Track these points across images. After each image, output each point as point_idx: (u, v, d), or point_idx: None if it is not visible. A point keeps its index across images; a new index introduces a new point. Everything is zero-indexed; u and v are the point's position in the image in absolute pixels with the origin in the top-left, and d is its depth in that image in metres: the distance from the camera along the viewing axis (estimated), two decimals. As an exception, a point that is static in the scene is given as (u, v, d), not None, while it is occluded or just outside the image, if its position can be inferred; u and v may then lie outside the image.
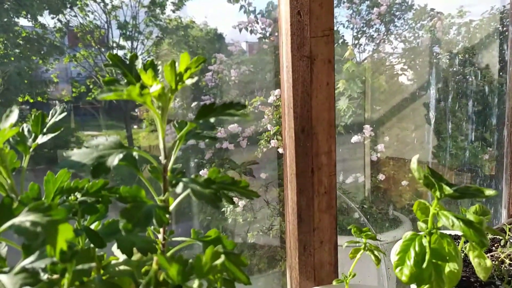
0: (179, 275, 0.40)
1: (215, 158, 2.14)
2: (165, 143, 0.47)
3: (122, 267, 0.44)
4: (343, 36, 2.72)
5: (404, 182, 2.53)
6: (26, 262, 0.37)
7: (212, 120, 0.42)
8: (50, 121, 0.48)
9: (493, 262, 0.69)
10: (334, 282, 0.59)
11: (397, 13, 2.87)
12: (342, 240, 0.75)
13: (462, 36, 2.78)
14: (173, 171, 0.49)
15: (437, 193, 0.49)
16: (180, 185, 0.40)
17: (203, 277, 0.40)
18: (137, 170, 0.48)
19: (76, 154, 0.42)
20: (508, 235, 0.73)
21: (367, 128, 2.46)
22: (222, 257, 0.40)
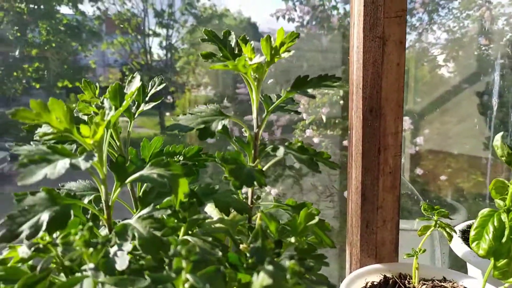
0: (276, 232, 0.43)
1: None
2: (258, 113, 0.50)
3: (217, 225, 0.48)
4: None
5: (443, 177, 2.47)
6: (144, 212, 0.42)
7: (309, 90, 0.45)
8: (151, 91, 0.52)
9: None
10: (404, 256, 0.61)
11: (442, 2, 2.78)
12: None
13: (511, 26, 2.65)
14: (263, 141, 0.52)
15: (520, 171, 0.50)
16: (281, 149, 0.43)
17: (297, 236, 0.43)
18: (230, 137, 0.52)
19: (183, 119, 0.46)
20: None
21: (407, 121, 2.42)
22: (316, 219, 0.43)
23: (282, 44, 0.47)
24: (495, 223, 0.51)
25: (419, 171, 2.45)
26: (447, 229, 0.59)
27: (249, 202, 0.51)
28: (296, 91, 0.46)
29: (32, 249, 0.36)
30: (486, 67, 2.49)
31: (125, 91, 0.44)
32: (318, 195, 1.94)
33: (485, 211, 0.53)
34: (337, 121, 2.23)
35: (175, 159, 0.49)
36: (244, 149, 0.52)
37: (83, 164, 0.33)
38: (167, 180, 0.38)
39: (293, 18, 2.41)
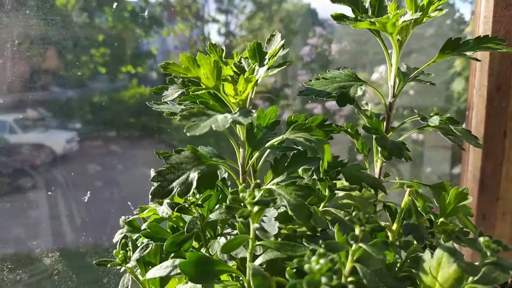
0: (424, 210, 0.39)
1: None
2: (395, 81, 0.45)
3: (345, 201, 0.45)
4: (458, 10, 2.46)
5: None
6: (277, 180, 0.39)
7: (469, 53, 0.39)
8: (274, 57, 0.49)
9: None
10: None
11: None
12: None
13: None
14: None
15: None
16: (436, 119, 0.38)
17: (447, 217, 0.39)
18: (359, 108, 0.48)
19: (318, 84, 0.43)
20: None
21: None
22: (470, 198, 0.38)
23: (430, 2, 0.42)
24: None
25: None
26: None
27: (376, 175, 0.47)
28: (450, 53, 0.40)
29: (175, 208, 0.35)
30: None
31: (264, 50, 0.41)
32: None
33: None
34: (404, 112, 2.09)
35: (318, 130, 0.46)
36: (370, 123, 0.48)
37: (243, 119, 0.30)
38: (315, 144, 0.35)
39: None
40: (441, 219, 0.39)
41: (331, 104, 2.12)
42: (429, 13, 0.42)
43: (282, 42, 0.39)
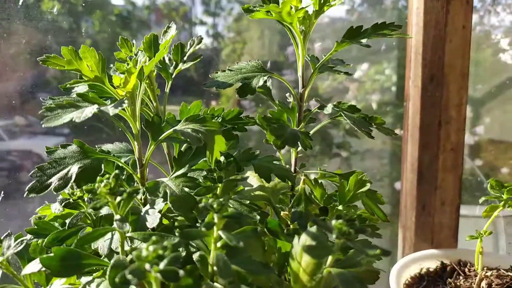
0: (321, 199, 0.38)
1: None
2: (304, 71, 0.45)
3: (257, 192, 0.44)
4: None
5: (504, 170, 2.27)
6: (179, 172, 0.39)
7: (363, 40, 0.39)
8: (189, 50, 0.49)
9: None
10: (467, 238, 0.54)
11: (509, -21, 2.53)
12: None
13: None
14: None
15: None
16: (329, 106, 0.38)
17: (346, 204, 0.39)
18: (271, 99, 0.48)
19: (222, 76, 0.43)
20: None
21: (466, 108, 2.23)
22: (368, 185, 0.38)
23: (329, -7, 0.42)
24: None
25: (478, 162, 2.27)
26: (521, 210, 0.51)
27: (292, 170, 0.47)
28: (349, 42, 0.40)
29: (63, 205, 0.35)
30: None
31: (162, 40, 0.41)
32: (371, 178, 1.85)
33: None
34: (388, 108, 2.11)
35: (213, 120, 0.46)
36: (288, 114, 0.48)
37: (111, 110, 0.30)
38: (202, 135, 0.35)
39: (343, 1, 2.31)
40: (339, 207, 0.38)
41: (315, 103, 2.13)
42: (330, 2, 0.42)
43: (175, 32, 0.39)
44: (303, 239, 0.28)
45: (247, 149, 0.47)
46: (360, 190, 0.39)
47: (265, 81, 0.46)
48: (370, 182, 0.44)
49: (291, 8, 0.41)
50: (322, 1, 0.43)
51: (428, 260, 0.63)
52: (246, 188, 0.48)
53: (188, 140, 0.35)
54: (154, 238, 0.23)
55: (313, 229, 0.28)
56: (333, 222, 0.25)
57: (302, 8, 0.39)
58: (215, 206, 0.26)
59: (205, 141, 0.35)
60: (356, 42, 0.40)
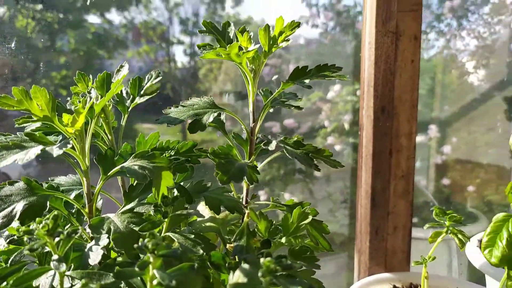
0: (266, 231, 0.40)
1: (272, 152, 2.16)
2: (254, 107, 0.48)
3: (208, 224, 0.46)
4: None
5: (470, 188, 2.37)
6: (128, 207, 0.40)
7: (307, 81, 0.42)
8: (147, 84, 0.51)
9: None
10: (412, 264, 0.56)
11: (472, 7, 2.68)
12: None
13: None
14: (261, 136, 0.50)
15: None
16: (274, 143, 0.41)
17: (289, 236, 0.41)
18: (225, 132, 0.49)
19: (174, 112, 0.44)
20: None
21: (433, 128, 2.34)
22: (310, 218, 0.40)
23: (280, 33, 0.45)
24: (510, 229, 0.46)
25: (445, 181, 2.36)
26: (459, 236, 0.54)
27: (243, 201, 0.49)
28: (293, 82, 0.43)
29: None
30: None
31: (114, 78, 0.43)
32: (333, 202, 1.89)
33: (500, 215, 0.48)
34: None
35: (166, 154, 0.47)
36: (242, 146, 0.50)
37: (56, 151, 0.31)
38: (149, 172, 0.36)
39: (316, 25, 2.39)
40: (284, 238, 0.40)
41: (289, 122, 2.17)
42: (278, 44, 0.45)
43: (126, 72, 0.40)
44: (237, 275, 0.29)
45: (199, 181, 0.48)
46: (303, 222, 0.41)
47: (219, 115, 0.48)
48: (315, 214, 0.47)
49: (241, 49, 0.44)
50: (271, 43, 0.45)
51: (381, 283, 0.66)
52: (198, 219, 0.50)
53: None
54: (83, 281, 0.24)
55: (246, 265, 0.29)
56: (261, 260, 0.27)
57: (250, 50, 0.42)
58: (149, 246, 0.27)
59: (151, 177, 0.36)
60: (299, 83, 0.42)
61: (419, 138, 2.35)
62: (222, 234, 0.44)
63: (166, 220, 0.38)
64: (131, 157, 0.38)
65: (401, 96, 0.67)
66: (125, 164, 0.37)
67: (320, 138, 2.12)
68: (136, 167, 0.36)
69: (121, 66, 0.43)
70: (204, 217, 0.48)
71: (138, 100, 0.49)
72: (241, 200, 0.49)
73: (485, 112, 2.58)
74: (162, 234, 0.39)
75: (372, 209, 0.70)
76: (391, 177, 0.69)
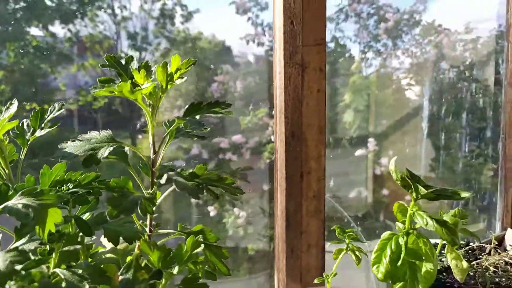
0: (159, 261, 0.42)
1: (218, 168, 2.17)
2: (154, 139, 0.50)
3: (108, 255, 0.47)
4: (350, 50, 2.77)
5: (408, 197, 2.53)
6: (17, 244, 0.40)
7: (197, 117, 0.45)
8: (49, 116, 0.51)
9: (478, 269, 0.70)
10: (315, 281, 0.60)
11: (405, 28, 2.92)
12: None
13: (468, 52, 2.81)
14: (164, 167, 0.52)
15: (414, 194, 0.51)
16: (164, 176, 0.43)
17: (183, 264, 0.43)
18: (127, 164, 0.51)
19: (70, 146, 0.45)
20: (494, 243, 0.74)
21: (372, 142, 2.49)
22: (202, 246, 0.42)
23: (177, 70, 0.48)
24: (393, 246, 0.51)
25: (385, 191, 2.51)
26: (357, 252, 0.59)
27: (147, 230, 0.50)
28: (185, 118, 0.46)
29: None
30: (446, 91, 2.62)
31: (1, 116, 0.43)
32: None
33: (386, 234, 0.54)
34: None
35: (64, 187, 0.48)
36: (148, 175, 0.52)
37: None
38: (33, 210, 0.37)
39: (262, 43, 2.47)
40: (176, 268, 0.42)
41: (237, 137, 2.20)
42: (174, 81, 0.48)
43: (14, 110, 0.41)
44: (110, 310, 0.31)
45: (100, 213, 0.49)
46: (196, 251, 0.43)
47: (120, 147, 0.49)
48: (215, 240, 0.49)
49: (136, 86, 0.46)
50: (168, 79, 0.48)
51: (295, 300, 0.69)
52: (100, 250, 0.50)
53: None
54: None
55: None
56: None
57: (145, 87, 0.44)
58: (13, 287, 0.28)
59: (35, 216, 0.37)
60: (190, 118, 0.45)
61: (360, 152, 2.49)
62: (121, 265, 0.45)
63: (53, 257, 0.38)
64: (18, 194, 0.39)
65: (309, 122, 0.73)
66: (9, 202, 0.37)
67: (267, 153, 2.17)
68: (19, 206, 0.37)
69: (10, 103, 0.43)
70: (106, 247, 0.49)
71: (38, 133, 0.50)
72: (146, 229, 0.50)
73: (416, 126, 2.80)
74: (51, 270, 0.39)
75: (287, 229, 0.74)
76: (302, 198, 0.73)
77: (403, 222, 0.53)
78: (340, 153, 2.59)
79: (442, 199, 0.50)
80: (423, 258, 0.51)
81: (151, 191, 0.49)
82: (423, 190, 0.49)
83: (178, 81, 0.47)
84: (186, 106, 0.47)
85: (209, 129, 0.56)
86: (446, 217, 0.55)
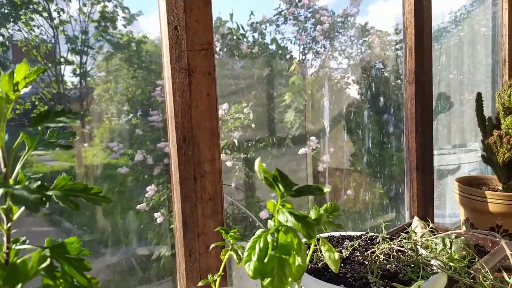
0: (1, 280, 0.40)
1: (163, 173, 2.14)
2: (4, 152, 0.48)
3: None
4: (291, 51, 2.84)
5: (349, 192, 2.65)
6: None
7: (47, 124, 0.44)
8: None
9: (369, 258, 0.74)
10: (200, 283, 0.61)
11: (340, 30, 3.04)
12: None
13: (400, 51, 2.97)
14: (28, 180, 0.50)
15: (279, 192, 0.53)
16: (0, 190, 0.41)
17: (28, 280, 0.41)
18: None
19: None
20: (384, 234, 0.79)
21: (313, 140, 2.57)
22: (48, 261, 0.41)
23: (25, 78, 0.46)
24: (261, 244, 0.53)
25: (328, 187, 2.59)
26: (239, 252, 0.60)
27: (5, 247, 0.48)
28: (34, 127, 0.44)
29: None
30: (380, 89, 2.75)
31: None
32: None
33: (258, 232, 0.55)
34: (249, 144, 2.31)
35: None
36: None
37: None
38: None
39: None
40: (19, 285, 0.41)
41: None
42: (20, 90, 0.46)
43: None
44: None
45: None
46: (42, 266, 0.42)
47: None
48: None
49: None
50: (14, 89, 0.46)
51: (191, 303, 0.70)
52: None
53: None
54: None
55: None
56: None
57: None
58: None
59: None
60: (33, 129, 0.44)
61: (303, 150, 2.56)
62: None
63: None
64: None
65: (200, 126, 0.73)
66: None
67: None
68: None
69: None
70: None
71: None
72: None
73: (357, 123, 2.92)
74: None
75: (184, 232, 0.74)
76: (197, 200, 0.74)
77: (274, 219, 0.55)
78: (284, 151, 2.65)
79: (305, 195, 0.52)
80: (292, 252, 0.53)
81: (5, 207, 0.48)
82: (282, 189, 0.51)
83: (23, 91, 0.46)
84: (34, 117, 0.46)
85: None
86: (313, 212, 0.57)
